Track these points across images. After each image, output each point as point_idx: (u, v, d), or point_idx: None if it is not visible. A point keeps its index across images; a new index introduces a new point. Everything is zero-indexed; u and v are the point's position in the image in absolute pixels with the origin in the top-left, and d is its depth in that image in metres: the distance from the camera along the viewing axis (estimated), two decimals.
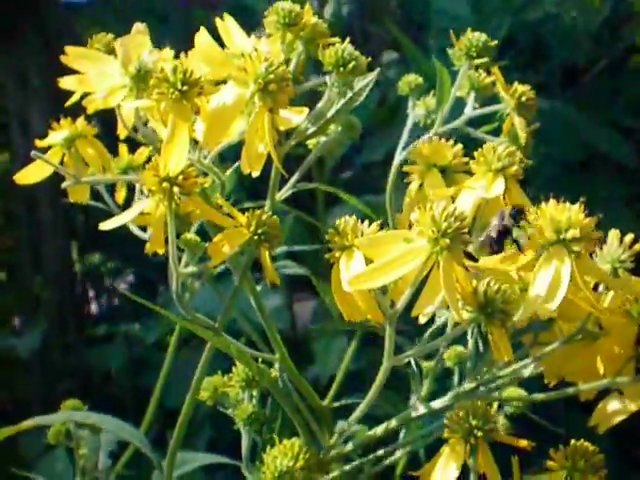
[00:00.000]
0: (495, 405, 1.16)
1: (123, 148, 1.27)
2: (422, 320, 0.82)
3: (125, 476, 1.51)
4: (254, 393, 1.15)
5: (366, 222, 0.87)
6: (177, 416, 1.20)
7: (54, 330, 2.55)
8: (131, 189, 1.16)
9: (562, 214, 0.81)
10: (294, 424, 1.07)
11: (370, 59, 0.98)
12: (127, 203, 1.17)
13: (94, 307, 2.88)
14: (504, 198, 0.91)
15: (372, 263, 0.81)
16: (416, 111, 1.12)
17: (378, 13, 2.88)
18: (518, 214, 0.86)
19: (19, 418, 1.18)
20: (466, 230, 0.79)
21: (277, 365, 1.14)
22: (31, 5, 2.49)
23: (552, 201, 0.82)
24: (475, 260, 0.82)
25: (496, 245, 0.87)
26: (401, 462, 1.38)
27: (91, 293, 2.88)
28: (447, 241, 0.78)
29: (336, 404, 1.23)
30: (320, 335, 2.28)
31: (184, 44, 1.02)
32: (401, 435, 1.23)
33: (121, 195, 1.23)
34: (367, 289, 0.83)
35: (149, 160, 0.95)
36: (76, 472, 1.42)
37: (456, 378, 1.17)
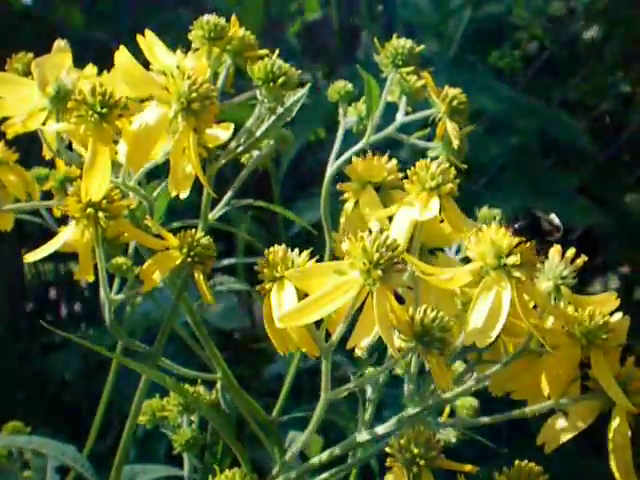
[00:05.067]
0: (446, 414, 1.14)
1: (60, 160, 1.22)
2: (358, 352, 0.78)
3: None
4: (193, 417, 1.12)
5: (296, 250, 0.83)
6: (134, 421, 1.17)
7: (8, 339, 2.49)
8: None
9: (503, 239, 0.78)
10: (231, 447, 1.04)
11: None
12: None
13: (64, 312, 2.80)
14: (440, 216, 0.88)
15: (304, 298, 0.78)
16: (348, 118, 1.08)
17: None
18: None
19: None
20: (399, 259, 0.76)
21: (219, 384, 1.11)
22: None
23: (493, 224, 0.79)
24: (402, 302, 0.78)
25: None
26: (353, 473, 1.35)
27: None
28: (379, 272, 0.75)
29: (284, 418, 1.20)
30: None
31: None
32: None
33: (59, 210, 1.18)
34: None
35: None
36: None
37: (406, 387, 1.15)
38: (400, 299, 0.80)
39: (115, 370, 1.46)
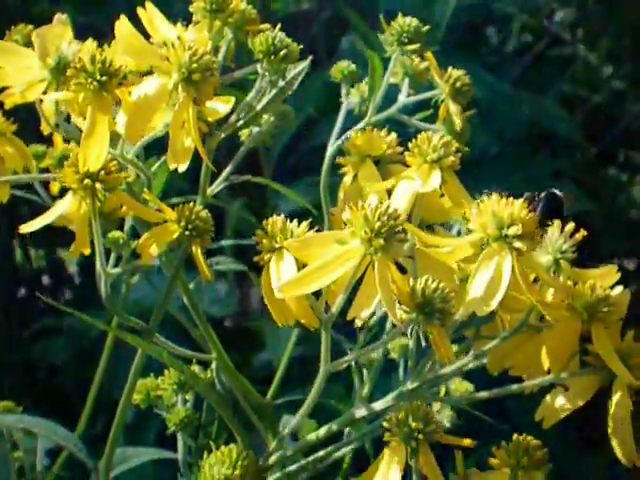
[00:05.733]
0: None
1: (58, 136, 1.21)
2: (358, 323, 0.78)
3: (63, 477, 1.46)
4: (188, 397, 1.11)
5: (295, 221, 0.83)
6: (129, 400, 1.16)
7: None
8: None
9: (504, 210, 0.77)
10: (228, 426, 1.03)
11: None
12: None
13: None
14: (440, 190, 0.87)
15: (303, 268, 0.77)
16: (350, 98, 1.07)
17: None
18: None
19: None
20: (400, 228, 0.75)
21: (214, 364, 1.10)
22: None
23: (495, 196, 0.79)
24: (404, 272, 0.78)
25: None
26: (347, 456, 1.35)
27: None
28: (381, 241, 0.74)
29: (278, 401, 1.19)
30: (269, 320, 2.25)
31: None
32: (346, 430, 1.20)
33: (55, 187, 1.18)
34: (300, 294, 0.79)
35: None
36: (11, 475, 1.37)
37: (401, 371, 1.14)
38: (402, 269, 0.79)
39: (107, 355, 1.46)
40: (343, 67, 1.08)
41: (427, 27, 1.01)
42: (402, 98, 1.04)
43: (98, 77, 0.84)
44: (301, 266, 0.80)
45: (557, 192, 0.85)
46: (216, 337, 1.04)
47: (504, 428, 0.94)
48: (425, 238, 0.80)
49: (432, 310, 0.76)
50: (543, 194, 0.85)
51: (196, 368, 1.12)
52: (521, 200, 0.78)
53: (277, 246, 0.82)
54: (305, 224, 0.83)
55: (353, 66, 1.08)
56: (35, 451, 1.38)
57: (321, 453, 0.97)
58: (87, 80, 0.84)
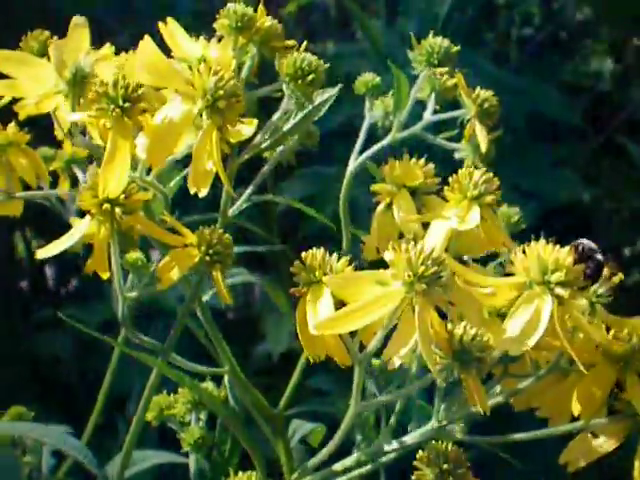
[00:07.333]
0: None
1: (67, 141, 1.18)
2: (396, 364, 0.76)
3: None
4: (201, 416, 1.09)
5: (334, 255, 0.81)
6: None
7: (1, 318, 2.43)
8: (74, 181, 1.10)
9: (550, 255, 0.75)
10: (244, 446, 1.01)
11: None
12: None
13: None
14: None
15: (342, 307, 0.75)
16: (374, 112, 1.04)
17: None
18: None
19: None
20: (443, 274, 0.73)
21: (226, 379, 1.08)
22: None
23: (542, 241, 0.77)
24: (445, 317, 0.76)
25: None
26: None
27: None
28: (423, 286, 0.72)
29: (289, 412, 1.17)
30: (271, 311, 2.23)
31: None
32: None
33: (63, 188, 1.16)
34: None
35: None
36: None
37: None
38: (441, 313, 0.77)
39: (117, 356, 1.43)
40: (367, 80, 1.04)
41: (457, 48, 0.97)
42: (428, 115, 1.00)
43: (121, 103, 0.81)
44: (337, 301, 0.79)
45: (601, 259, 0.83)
46: (228, 349, 1.02)
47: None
48: (467, 275, 0.78)
49: (469, 359, 0.74)
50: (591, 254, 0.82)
51: (210, 384, 1.11)
52: (567, 248, 0.75)
53: (315, 280, 0.80)
54: (344, 260, 0.81)
55: (378, 79, 1.04)
56: (40, 451, 1.36)
57: (344, 478, 0.95)
58: (109, 106, 0.81)
